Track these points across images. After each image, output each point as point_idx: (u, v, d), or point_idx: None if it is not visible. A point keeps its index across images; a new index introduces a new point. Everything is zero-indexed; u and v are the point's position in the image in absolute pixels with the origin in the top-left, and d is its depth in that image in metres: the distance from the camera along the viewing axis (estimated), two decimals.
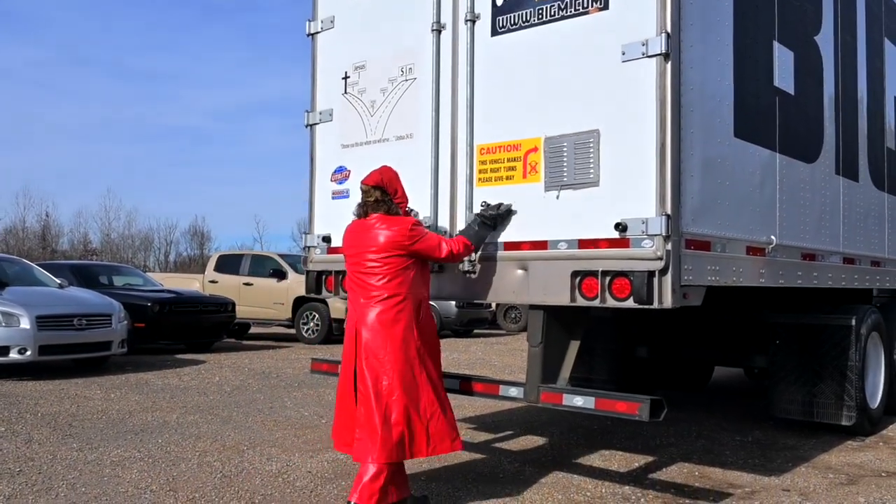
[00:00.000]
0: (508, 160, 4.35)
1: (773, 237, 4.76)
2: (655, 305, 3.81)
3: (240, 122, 67.46)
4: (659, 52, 3.78)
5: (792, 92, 5.07)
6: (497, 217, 4.30)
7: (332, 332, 14.52)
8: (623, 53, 3.87)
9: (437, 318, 16.62)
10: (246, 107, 67.51)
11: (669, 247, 3.79)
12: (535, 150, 4.23)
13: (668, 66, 3.80)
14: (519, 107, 4.33)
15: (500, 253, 4.34)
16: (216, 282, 16.01)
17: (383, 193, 4.02)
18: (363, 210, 4.06)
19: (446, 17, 4.71)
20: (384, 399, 3.85)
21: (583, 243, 4.00)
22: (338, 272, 5.14)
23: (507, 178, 4.36)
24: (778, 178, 4.90)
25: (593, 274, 3.97)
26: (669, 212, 3.77)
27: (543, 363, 4.26)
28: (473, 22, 4.57)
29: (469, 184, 4.52)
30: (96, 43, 60.71)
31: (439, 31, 4.72)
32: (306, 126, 5.50)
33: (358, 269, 4.01)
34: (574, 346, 4.38)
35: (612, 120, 3.94)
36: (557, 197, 4.11)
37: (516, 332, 18.21)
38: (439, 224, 4.64)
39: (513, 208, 4.32)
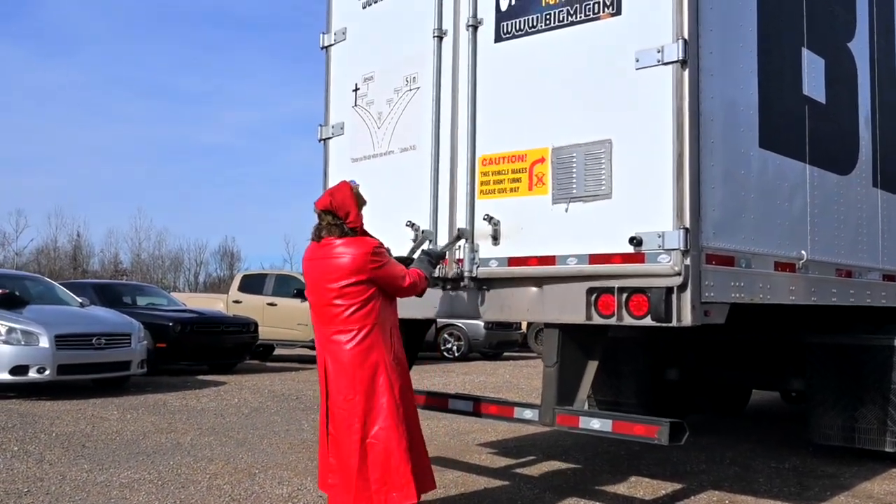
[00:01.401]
0: (513, 171, 4.30)
1: (803, 252, 4.64)
2: (674, 323, 3.73)
3: (271, 141, 68.51)
4: (675, 59, 3.72)
5: (823, 101, 4.96)
6: (441, 257, 4.30)
7: None
8: (637, 60, 3.82)
9: (464, 339, 16.54)
10: (278, 125, 68.56)
11: (688, 262, 3.70)
12: (542, 160, 4.17)
13: (686, 73, 3.73)
14: (524, 116, 4.28)
15: (513, 269, 4.27)
16: (240, 302, 16.13)
17: (334, 217, 3.79)
18: (317, 234, 3.83)
19: (448, 24, 4.69)
20: (356, 444, 3.64)
21: (594, 258, 3.92)
22: None
23: (511, 189, 4.29)
24: (809, 190, 4.78)
25: (609, 291, 3.90)
26: (688, 225, 3.69)
27: (559, 384, 4.18)
28: (476, 28, 4.52)
29: (471, 196, 4.46)
30: (128, 63, 62.22)
31: (440, 38, 4.70)
32: (319, 141, 5.52)
33: (320, 300, 3.76)
34: (592, 367, 4.30)
35: (625, 130, 3.88)
36: (566, 210, 4.04)
37: None
38: (440, 240, 4.59)
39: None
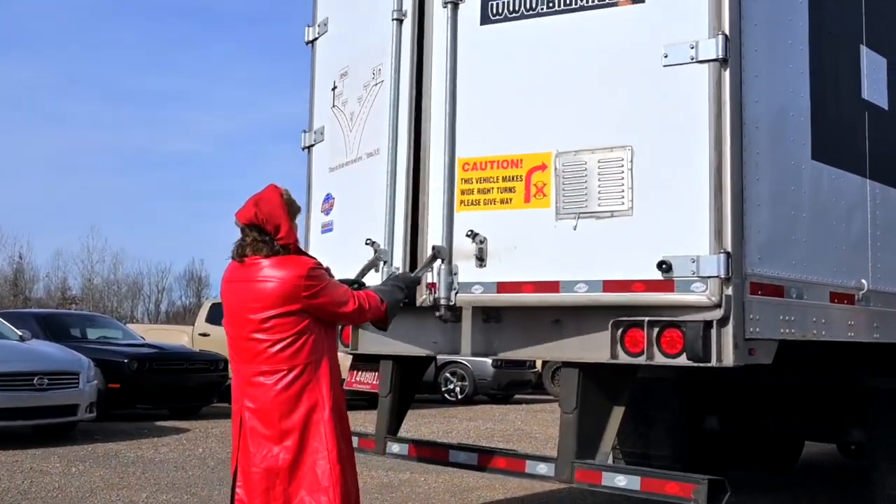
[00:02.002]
0: (504, 179, 4.17)
1: (864, 281, 4.65)
2: (713, 363, 3.74)
3: (247, 149, 68.81)
4: (714, 56, 3.75)
5: (885, 106, 5.00)
6: (415, 282, 4.21)
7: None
8: (665, 56, 3.83)
9: (468, 379, 16.52)
10: (255, 130, 68.87)
11: (730, 291, 3.71)
12: (543, 167, 4.08)
13: (727, 74, 3.76)
14: (519, 114, 4.15)
15: (502, 297, 4.18)
16: (207, 335, 16.13)
17: (261, 233, 3.57)
18: (239, 252, 3.63)
19: (408, 3, 4.54)
20: None
21: (610, 285, 3.87)
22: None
23: (503, 201, 4.17)
24: (870, 209, 4.80)
25: (638, 325, 3.90)
26: (729, 249, 3.71)
27: (579, 434, 4.17)
28: (456, 5, 4.35)
29: (448, 207, 4.27)
30: (82, 61, 62.70)
31: (400, 21, 4.58)
32: (303, 149, 5.56)
33: (240, 332, 3.56)
34: (618, 414, 4.28)
35: (649, 135, 3.85)
36: (575, 228, 4.00)
37: None
38: (395, 262, 4.51)
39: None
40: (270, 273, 3.52)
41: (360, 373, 5.38)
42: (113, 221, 66.33)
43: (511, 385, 17.20)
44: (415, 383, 5.23)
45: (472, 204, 4.27)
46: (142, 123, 63.63)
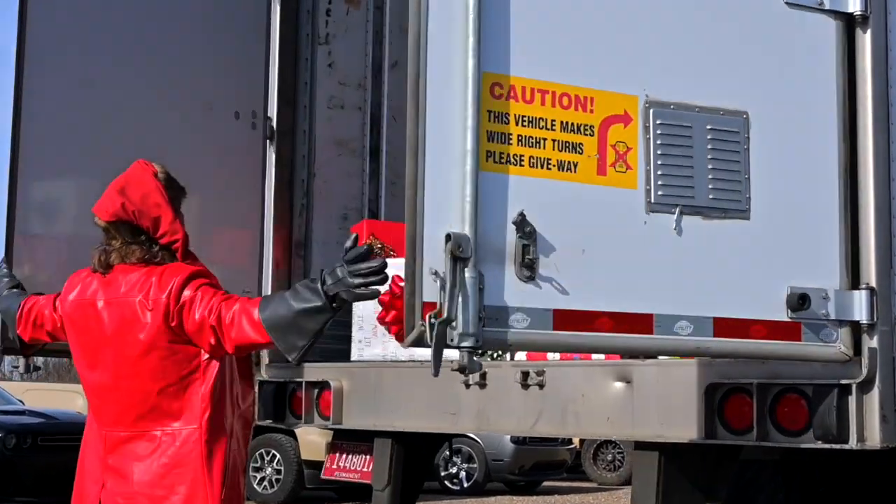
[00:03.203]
0: (564, 126, 3.43)
1: None
2: (852, 444, 3.74)
3: None
4: (849, 10, 3.76)
5: None
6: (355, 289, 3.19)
7: (304, 484, 14.50)
8: None
9: (478, 460, 16.47)
10: None
11: (875, 342, 3.70)
12: (627, 119, 3.49)
13: (868, 35, 3.77)
14: (596, 28, 3.56)
15: (597, 339, 3.47)
16: None
17: (133, 232, 3.42)
18: (103, 261, 3.46)
19: None
20: None
21: (722, 325, 3.54)
22: (313, 384, 5.18)
23: (561, 164, 3.41)
24: None
25: (745, 390, 3.93)
26: (874, 283, 3.70)
27: None
28: None
29: (472, 160, 3.25)
30: None
31: None
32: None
33: (109, 375, 3.43)
34: None
35: (768, 99, 3.74)
36: (677, 228, 3.67)
37: (615, 485, 17.96)
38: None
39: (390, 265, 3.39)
40: (148, 287, 3.36)
41: (344, 456, 5.38)
42: None
43: (537, 468, 17.08)
44: (422, 471, 5.23)
45: (503, 162, 3.38)
46: None
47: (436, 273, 3.17)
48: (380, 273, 3.13)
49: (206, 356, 3.36)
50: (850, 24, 3.77)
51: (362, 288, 3.12)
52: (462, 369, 3.24)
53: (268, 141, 5.69)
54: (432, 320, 3.06)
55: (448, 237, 3.16)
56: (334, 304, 3.15)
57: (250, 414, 3.61)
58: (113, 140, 5.25)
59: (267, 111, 5.69)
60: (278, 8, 5.77)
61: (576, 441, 18.34)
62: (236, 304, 3.30)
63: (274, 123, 5.71)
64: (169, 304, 3.31)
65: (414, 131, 3.27)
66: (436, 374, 3.08)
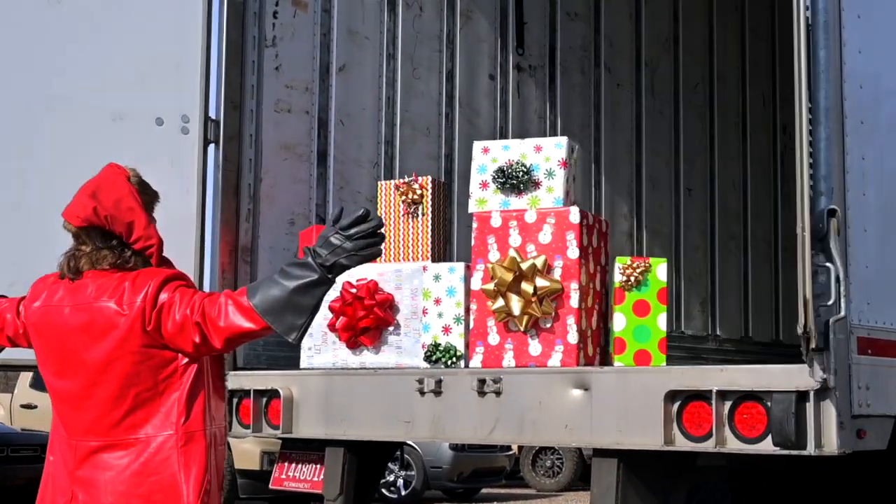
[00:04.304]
0: None
1: None
2: (810, 451, 3.81)
3: None
4: None
5: None
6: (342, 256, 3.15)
7: (238, 494, 14.36)
8: None
9: (416, 467, 16.44)
10: None
11: (832, 350, 3.79)
12: None
13: None
14: None
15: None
16: (34, 406, 15.93)
17: (104, 237, 3.39)
18: (73, 267, 3.41)
19: None
20: None
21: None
22: (261, 392, 5.17)
23: None
24: None
25: (703, 397, 3.99)
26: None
27: None
28: None
29: None
30: None
31: None
32: None
33: (72, 384, 3.39)
34: None
35: None
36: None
37: (553, 491, 18.03)
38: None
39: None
40: (121, 292, 3.32)
41: (294, 465, 5.36)
42: None
43: (476, 475, 17.04)
44: (374, 480, 5.25)
45: None
46: None
47: None
48: (378, 233, 3.14)
49: (184, 361, 3.31)
50: None
51: (367, 250, 3.11)
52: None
53: (212, 145, 5.61)
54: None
55: None
56: (330, 275, 3.14)
57: (225, 421, 3.57)
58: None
59: (207, 114, 5.59)
60: (225, 10, 5.70)
61: (514, 447, 18.42)
62: (220, 297, 3.26)
63: (222, 128, 5.62)
64: (145, 307, 3.25)
65: None
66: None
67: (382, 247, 3.21)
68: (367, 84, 6.38)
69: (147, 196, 3.48)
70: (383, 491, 16.48)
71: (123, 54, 5.39)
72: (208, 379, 3.44)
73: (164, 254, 3.49)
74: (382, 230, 3.17)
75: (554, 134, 7.01)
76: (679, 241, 8.11)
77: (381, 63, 6.42)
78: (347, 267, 3.17)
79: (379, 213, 5.39)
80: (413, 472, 16.47)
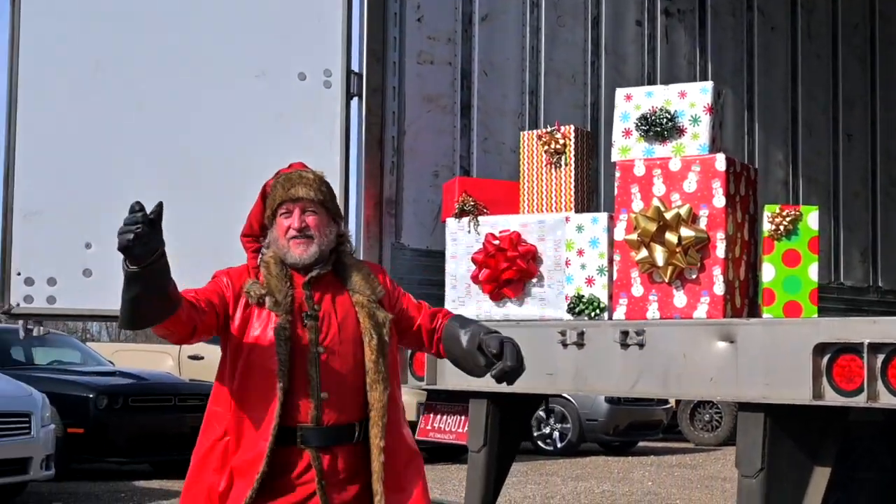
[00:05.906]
0: None
1: None
2: None
3: None
4: None
5: None
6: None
7: None
8: None
9: (571, 420, 16.47)
10: None
11: None
12: None
13: None
14: None
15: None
16: (201, 357, 16.33)
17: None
18: None
19: None
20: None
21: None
22: None
23: None
24: None
25: (853, 349, 3.93)
26: None
27: None
28: None
29: None
30: None
31: None
32: None
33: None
34: (821, 479, 4.30)
35: None
36: None
37: (713, 445, 17.86)
38: None
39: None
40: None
41: (438, 416, 5.42)
42: None
43: (632, 428, 17.03)
44: (518, 432, 5.26)
45: None
46: None
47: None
48: (131, 223, 2.95)
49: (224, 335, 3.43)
50: None
51: (119, 237, 2.97)
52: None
53: (355, 98, 5.67)
54: None
55: None
56: (128, 268, 3.04)
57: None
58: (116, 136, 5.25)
59: (350, 68, 5.63)
60: None
61: (672, 401, 18.28)
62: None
63: (364, 81, 5.66)
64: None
65: None
66: None
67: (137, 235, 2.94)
68: (510, 33, 6.34)
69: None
70: (540, 443, 16.59)
71: (265, 10, 5.47)
72: (244, 354, 3.44)
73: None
74: (140, 217, 2.92)
75: (704, 80, 6.88)
76: (837, 188, 7.92)
77: (524, 11, 6.36)
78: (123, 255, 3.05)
79: (521, 164, 5.40)
80: (569, 425, 16.52)
